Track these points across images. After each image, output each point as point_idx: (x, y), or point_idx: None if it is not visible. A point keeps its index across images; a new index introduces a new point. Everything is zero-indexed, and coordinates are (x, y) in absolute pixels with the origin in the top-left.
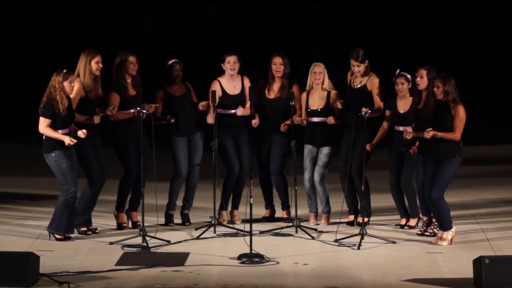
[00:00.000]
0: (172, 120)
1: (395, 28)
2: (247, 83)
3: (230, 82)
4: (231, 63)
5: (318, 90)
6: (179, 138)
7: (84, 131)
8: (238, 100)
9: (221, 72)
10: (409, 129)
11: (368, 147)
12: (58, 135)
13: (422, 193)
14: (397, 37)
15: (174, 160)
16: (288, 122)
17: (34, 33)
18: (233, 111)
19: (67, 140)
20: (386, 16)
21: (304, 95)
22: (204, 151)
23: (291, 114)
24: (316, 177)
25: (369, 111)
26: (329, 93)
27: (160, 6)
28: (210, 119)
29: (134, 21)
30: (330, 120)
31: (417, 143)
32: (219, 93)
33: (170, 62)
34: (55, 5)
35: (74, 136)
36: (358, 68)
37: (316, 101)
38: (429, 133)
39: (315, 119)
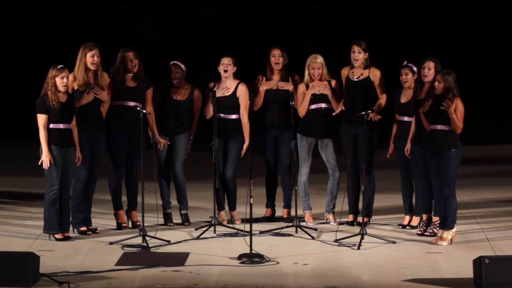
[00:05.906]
0: (164, 146)
1: (395, 27)
2: (242, 89)
3: (222, 84)
4: (224, 64)
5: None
6: (161, 136)
7: (80, 156)
8: (224, 102)
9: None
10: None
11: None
12: (45, 146)
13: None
14: (398, 35)
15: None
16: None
17: (34, 32)
18: (222, 115)
19: (44, 159)
20: (386, 14)
21: (302, 86)
22: (203, 151)
23: (291, 115)
24: (330, 171)
25: (369, 112)
26: (329, 81)
27: (160, 6)
28: (208, 114)
29: (134, 20)
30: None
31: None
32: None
33: (170, 64)
34: (55, 5)
35: (70, 142)
36: (358, 55)
37: (317, 88)
38: (451, 107)
39: (314, 106)
